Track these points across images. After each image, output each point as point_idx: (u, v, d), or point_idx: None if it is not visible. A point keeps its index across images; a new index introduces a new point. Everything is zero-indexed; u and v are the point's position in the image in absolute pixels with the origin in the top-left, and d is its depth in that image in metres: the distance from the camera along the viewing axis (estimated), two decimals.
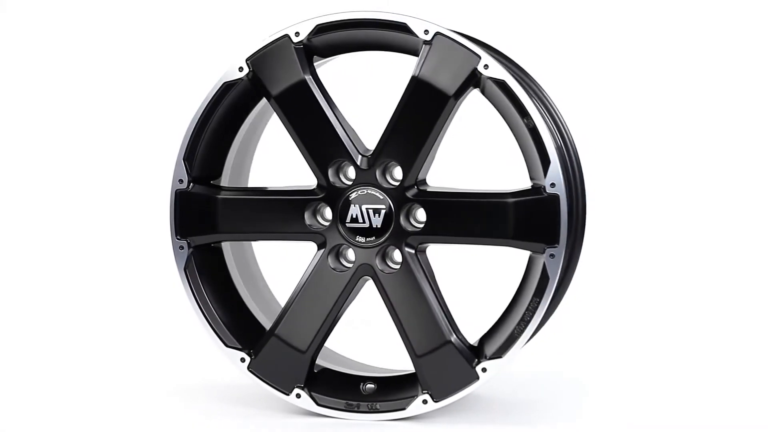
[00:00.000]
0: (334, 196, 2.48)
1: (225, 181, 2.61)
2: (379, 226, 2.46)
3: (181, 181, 2.53)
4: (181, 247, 2.54)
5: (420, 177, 2.44)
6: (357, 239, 2.47)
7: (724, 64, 4.01)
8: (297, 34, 2.46)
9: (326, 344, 2.61)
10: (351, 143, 2.46)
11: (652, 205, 3.97)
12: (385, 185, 2.45)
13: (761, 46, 3.99)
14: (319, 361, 2.57)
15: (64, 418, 2.51)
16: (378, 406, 2.48)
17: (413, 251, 2.45)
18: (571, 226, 2.39)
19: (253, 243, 2.73)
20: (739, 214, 3.94)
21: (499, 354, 2.40)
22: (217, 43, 3.82)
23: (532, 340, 2.69)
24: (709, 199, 3.96)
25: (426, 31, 2.39)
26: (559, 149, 2.36)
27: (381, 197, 2.46)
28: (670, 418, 2.53)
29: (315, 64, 2.53)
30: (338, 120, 2.47)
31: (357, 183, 2.46)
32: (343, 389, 2.53)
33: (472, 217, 2.40)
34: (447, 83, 2.38)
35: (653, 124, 4.01)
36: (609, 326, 3.42)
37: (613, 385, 2.82)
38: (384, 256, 2.47)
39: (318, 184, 2.49)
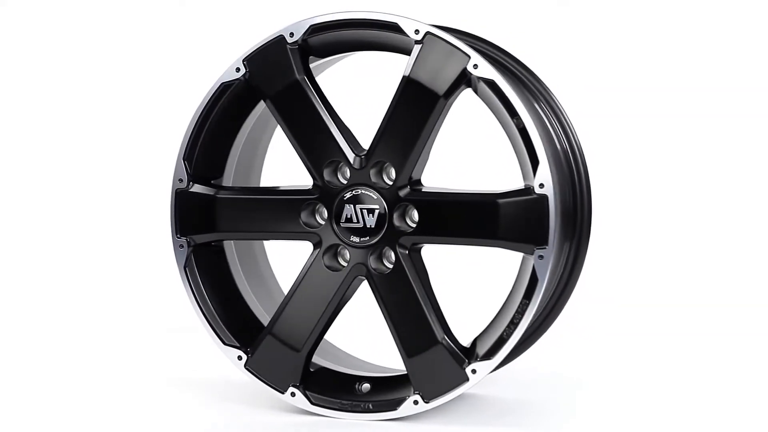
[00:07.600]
0: (329, 196, 2.49)
1: (229, 180, 2.63)
2: (372, 226, 2.46)
3: (181, 180, 2.56)
4: (181, 246, 2.56)
5: (414, 177, 2.43)
6: (351, 239, 2.48)
7: (727, 63, 3.99)
8: (291, 35, 2.47)
9: (329, 340, 2.64)
10: (346, 143, 2.47)
11: (658, 204, 3.94)
12: (379, 185, 2.45)
13: (761, 48, 3.98)
14: (317, 359, 2.58)
15: (64, 410, 2.57)
16: (371, 406, 2.48)
17: (406, 251, 2.44)
18: (567, 227, 2.36)
19: (265, 243, 2.75)
20: (743, 218, 3.93)
21: (488, 356, 2.38)
22: (218, 44, 3.87)
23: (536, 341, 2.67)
24: (716, 199, 3.93)
25: (417, 31, 2.38)
26: (553, 149, 2.33)
27: (375, 197, 2.45)
28: (668, 420, 2.51)
29: (313, 64, 2.54)
30: (333, 120, 2.47)
31: (351, 183, 2.47)
32: (338, 389, 2.53)
33: (462, 218, 2.39)
34: (437, 83, 2.37)
35: (661, 123, 3.97)
36: (610, 327, 3.41)
37: (610, 386, 2.80)
38: (378, 256, 2.47)
39: (314, 184, 2.50)
